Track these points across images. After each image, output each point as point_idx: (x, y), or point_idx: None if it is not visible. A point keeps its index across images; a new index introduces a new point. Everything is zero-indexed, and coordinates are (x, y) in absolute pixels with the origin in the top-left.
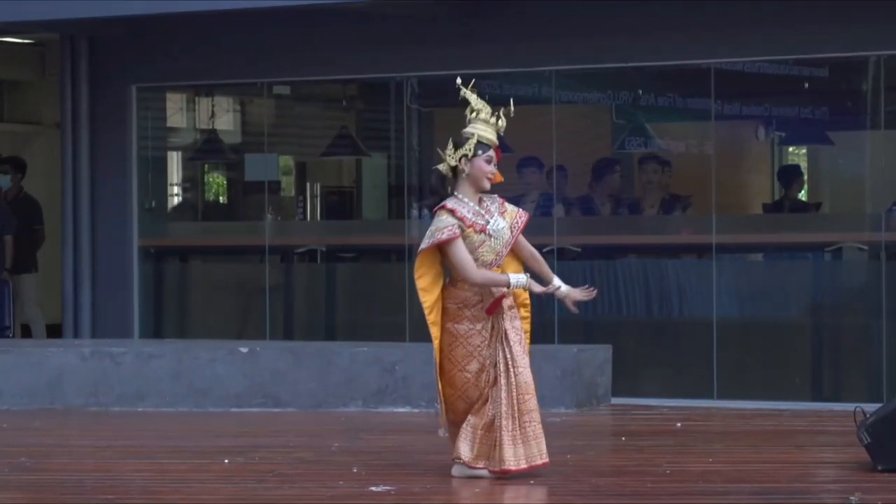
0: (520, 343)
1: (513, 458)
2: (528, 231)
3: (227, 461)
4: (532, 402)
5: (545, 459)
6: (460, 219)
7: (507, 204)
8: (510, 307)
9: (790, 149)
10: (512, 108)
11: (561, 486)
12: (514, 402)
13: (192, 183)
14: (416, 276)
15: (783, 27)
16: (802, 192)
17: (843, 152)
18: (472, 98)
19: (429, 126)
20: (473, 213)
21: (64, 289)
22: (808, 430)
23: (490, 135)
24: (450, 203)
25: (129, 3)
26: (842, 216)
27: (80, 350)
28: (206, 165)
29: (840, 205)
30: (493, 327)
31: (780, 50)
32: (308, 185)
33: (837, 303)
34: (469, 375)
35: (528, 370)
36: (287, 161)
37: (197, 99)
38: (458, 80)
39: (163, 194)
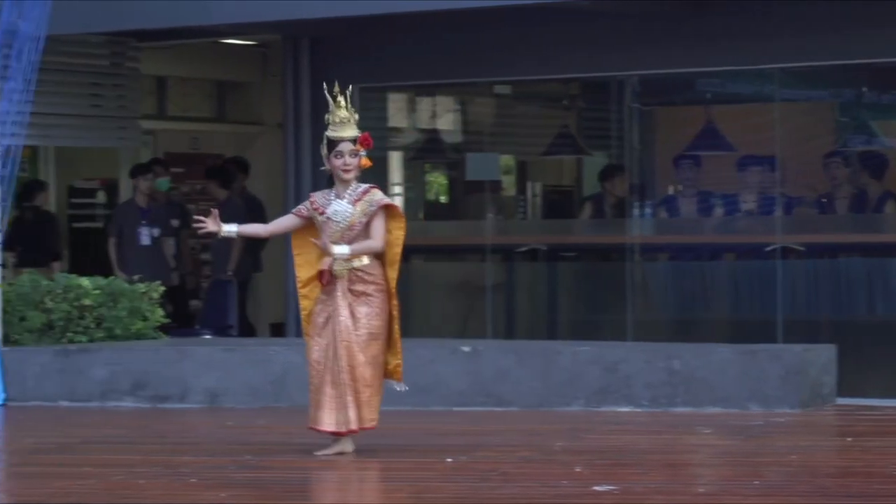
0: None
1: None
2: (752, 230)
3: (450, 460)
4: None
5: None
6: (311, 203)
7: (371, 194)
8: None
9: None
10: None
11: (786, 487)
12: None
13: (413, 182)
14: None
15: None
16: None
17: None
18: (329, 104)
19: (650, 125)
20: (325, 200)
21: (287, 288)
22: None
23: (337, 132)
24: (314, 192)
25: (351, 4)
26: None
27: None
28: (428, 165)
29: None
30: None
31: None
32: (529, 184)
33: None
34: None
35: None
36: (508, 160)
37: (418, 99)
38: (325, 87)
39: (384, 193)
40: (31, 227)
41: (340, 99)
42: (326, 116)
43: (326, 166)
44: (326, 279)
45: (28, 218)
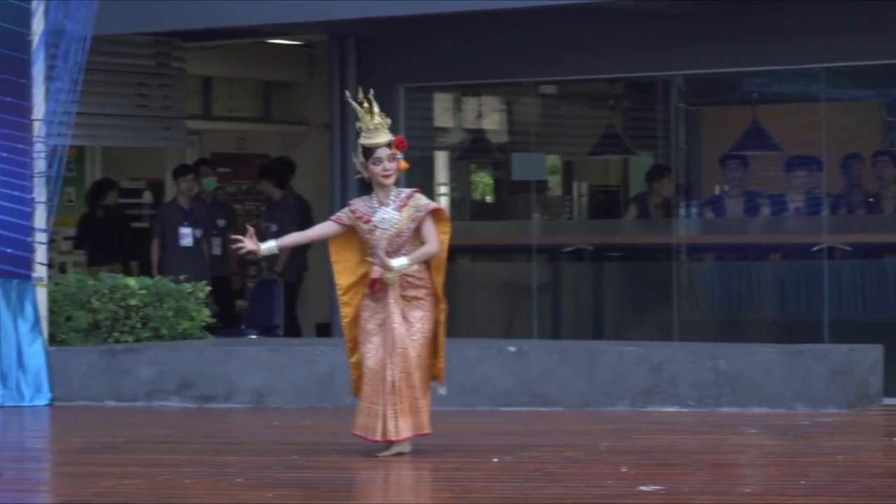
0: None
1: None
2: (798, 230)
3: (495, 459)
4: None
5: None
6: (353, 211)
7: (415, 199)
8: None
9: None
10: (349, 95)
11: (832, 487)
12: None
13: (459, 182)
14: None
15: None
16: None
17: None
18: (358, 112)
19: (696, 124)
20: (368, 208)
21: (333, 288)
22: None
23: (373, 139)
24: (353, 200)
25: (397, 4)
26: None
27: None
28: (474, 165)
29: None
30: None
31: None
32: (575, 184)
33: None
34: None
35: None
36: (554, 160)
37: (464, 99)
38: (348, 94)
39: (430, 194)
40: (101, 225)
41: (368, 105)
42: (357, 124)
43: (363, 174)
44: (378, 288)
45: (99, 217)
